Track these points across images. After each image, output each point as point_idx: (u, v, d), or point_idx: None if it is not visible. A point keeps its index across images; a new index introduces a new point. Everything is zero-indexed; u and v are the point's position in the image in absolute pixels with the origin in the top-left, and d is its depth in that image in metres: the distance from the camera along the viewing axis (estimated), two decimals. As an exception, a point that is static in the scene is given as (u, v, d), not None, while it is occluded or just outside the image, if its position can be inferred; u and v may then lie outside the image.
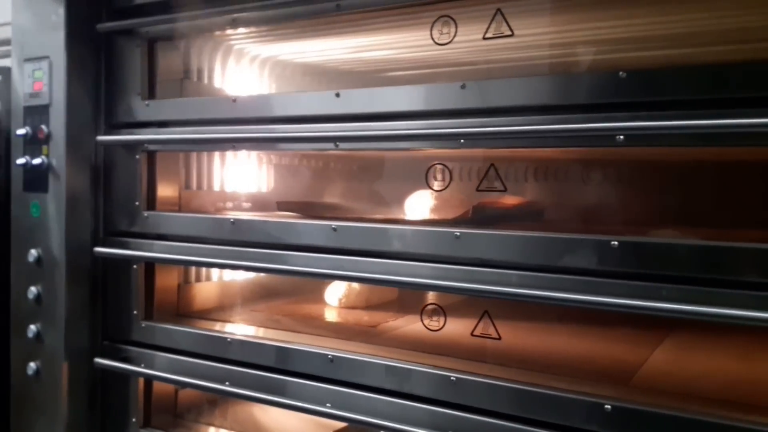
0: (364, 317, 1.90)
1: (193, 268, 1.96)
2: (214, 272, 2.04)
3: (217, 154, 2.01)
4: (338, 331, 1.80)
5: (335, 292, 2.04)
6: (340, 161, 2.03)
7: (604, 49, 1.29)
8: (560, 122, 1.19)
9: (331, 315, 1.98)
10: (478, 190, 1.38)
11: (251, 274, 2.12)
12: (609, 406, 1.18)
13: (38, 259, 1.77)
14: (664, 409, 1.15)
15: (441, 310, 1.48)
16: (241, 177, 2.10)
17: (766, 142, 1.08)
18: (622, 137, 1.14)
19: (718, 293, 1.09)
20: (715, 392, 1.30)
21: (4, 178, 1.85)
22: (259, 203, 2.10)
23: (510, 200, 1.56)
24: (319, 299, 2.05)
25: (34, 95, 1.76)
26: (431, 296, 1.57)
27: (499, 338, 1.38)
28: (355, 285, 2.02)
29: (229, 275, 2.08)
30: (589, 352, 1.55)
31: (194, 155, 1.94)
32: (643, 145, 1.15)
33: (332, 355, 1.48)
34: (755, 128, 1.04)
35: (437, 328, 1.48)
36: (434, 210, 1.78)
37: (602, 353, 1.55)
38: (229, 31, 1.75)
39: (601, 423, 1.18)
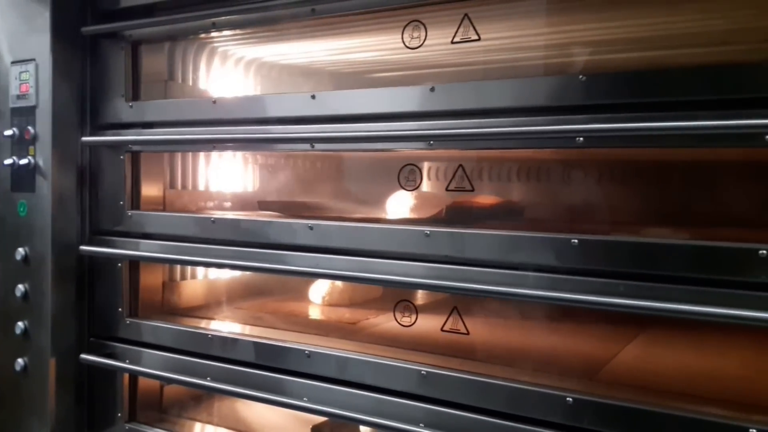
0: (346, 314, 1.93)
1: (178, 267, 2.00)
2: (199, 270, 2.08)
3: (201, 155, 2.05)
4: (319, 328, 1.84)
5: (319, 291, 2.07)
6: (321, 162, 2.07)
7: (566, 52, 1.33)
8: (524, 124, 1.23)
9: (314, 312, 2.02)
10: (447, 189, 1.42)
11: (236, 272, 2.16)
12: (570, 399, 1.22)
13: (25, 258, 1.81)
14: (623, 402, 1.19)
15: (413, 307, 1.52)
16: (224, 177, 2.14)
17: (719, 143, 1.12)
18: (581, 139, 1.18)
19: (672, 289, 1.13)
20: (677, 386, 1.34)
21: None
22: (242, 203, 2.14)
23: (482, 200, 1.60)
24: (304, 297, 2.09)
25: (21, 97, 1.80)
26: (406, 292, 1.61)
27: (468, 333, 1.42)
28: (338, 283, 2.06)
29: (213, 273, 2.12)
30: (559, 348, 1.59)
31: (178, 156, 1.98)
32: (601, 147, 1.19)
33: (309, 351, 1.52)
34: (708, 130, 1.08)
35: (410, 324, 1.52)
36: (414, 210, 1.82)
37: (572, 349, 1.58)
38: (213, 34, 1.79)
39: (563, 415, 1.23)
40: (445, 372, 1.35)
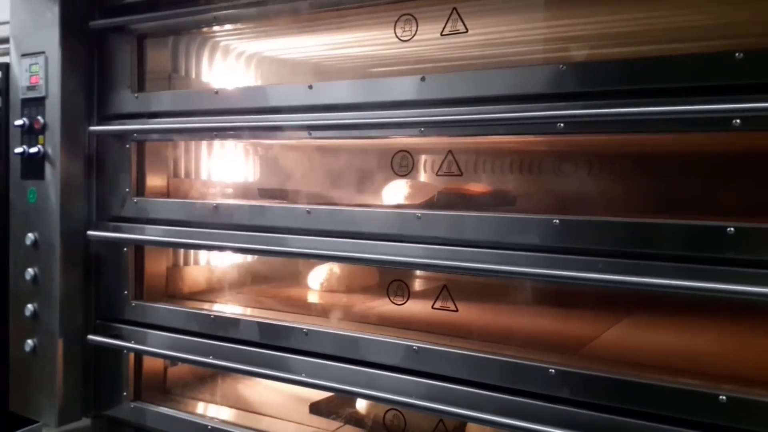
0: (343, 299, 2.01)
1: (182, 253, 2.07)
2: (202, 257, 2.15)
3: (203, 146, 2.12)
4: (316, 310, 1.91)
5: (317, 277, 2.14)
6: (319, 152, 2.14)
7: (548, 44, 1.40)
8: (509, 111, 1.30)
9: (312, 298, 2.09)
10: (437, 174, 1.49)
11: (238, 259, 2.24)
12: (553, 370, 1.29)
13: (35, 243, 1.88)
14: (603, 372, 1.26)
15: (406, 286, 1.59)
16: (226, 168, 2.21)
17: (691, 128, 1.19)
18: (562, 124, 1.25)
19: (648, 266, 1.20)
20: (656, 361, 1.41)
21: (3, 166, 1.97)
22: (243, 193, 2.21)
23: (471, 188, 1.67)
24: (303, 284, 2.16)
25: (31, 88, 1.87)
26: (399, 273, 1.68)
27: (456, 310, 1.49)
28: (336, 270, 2.13)
29: (216, 260, 2.19)
30: (547, 328, 1.66)
31: (182, 147, 2.05)
32: (580, 132, 1.26)
33: (307, 329, 1.59)
34: (680, 114, 1.15)
35: (402, 302, 1.59)
36: (408, 197, 1.89)
37: (558, 329, 1.65)
38: (214, 28, 1.86)
39: (546, 385, 1.30)
40: (437, 347, 1.42)
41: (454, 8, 1.40)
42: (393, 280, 1.59)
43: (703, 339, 1.56)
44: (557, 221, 1.28)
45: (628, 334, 1.63)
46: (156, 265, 1.96)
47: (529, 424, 1.29)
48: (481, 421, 1.34)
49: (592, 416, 1.26)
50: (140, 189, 1.89)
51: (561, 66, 1.26)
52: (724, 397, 1.15)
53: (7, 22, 1.94)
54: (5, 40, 1.99)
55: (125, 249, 1.88)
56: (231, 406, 1.93)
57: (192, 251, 2.08)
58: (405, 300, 1.59)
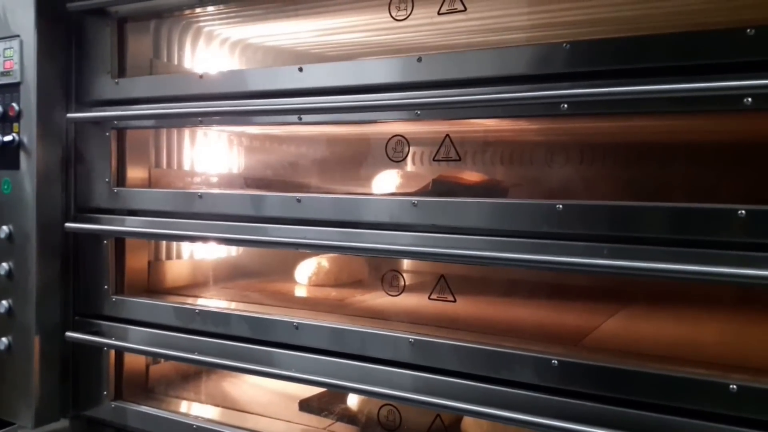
0: (332, 293, 1.95)
1: (164, 247, 2.00)
2: (185, 251, 2.08)
3: (186, 136, 2.05)
4: (305, 305, 1.85)
5: (305, 271, 2.08)
6: (309, 141, 2.08)
7: (550, 21, 1.36)
8: (510, 92, 1.25)
9: (300, 292, 2.03)
10: (434, 159, 1.44)
11: (222, 253, 2.17)
12: (555, 361, 1.24)
13: (9, 236, 1.79)
14: (609, 363, 1.21)
15: (401, 277, 1.53)
16: (209, 158, 2.14)
17: (701, 107, 1.15)
18: (566, 105, 1.20)
19: (657, 251, 1.16)
20: (656, 351, 1.37)
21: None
22: (228, 184, 2.14)
23: (467, 176, 1.62)
24: (290, 278, 2.10)
25: (5, 73, 1.78)
26: (394, 262, 1.63)
27: (455, 301, 1.44)
28: (324, 263, 2.07)
29: (199, 254, 2.12)
30: (545, 320, 1.62)
31: (164, 136, 1.98)
32: (585, 113, 1.22)
33: (297, 323, 1.53)
34: (690, 93, 1.11)
35: (397, 293, 1.54)
36: (400, 187, 1.84)
37: (556, 321, 1.61)
38: (197, 11, 1.79)
39: (548, 377, 1.25)
40: (433, 339, 1.37)
41: (451, -15, 1.35)
42: (388, 271, 1.53)
43: (704, 329, 1.52)
44: (560, 206, 1.23)
45: (627, 325, 1.59)
46: (137, 259, 1.89)
47: (530, 417, 1.24)
48: (481, 414, 1.29)
49: (596, 408, 1.21)
50: (121, 179, 1.81)
51: (565, 45, 1.21)
52: (734, 387, 1.11)
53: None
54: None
55: (105, 242, 1.80)
56: (217, 405, 1.86)
57: (174, 244, 2.01)
58: (400, 291, 1.53)
